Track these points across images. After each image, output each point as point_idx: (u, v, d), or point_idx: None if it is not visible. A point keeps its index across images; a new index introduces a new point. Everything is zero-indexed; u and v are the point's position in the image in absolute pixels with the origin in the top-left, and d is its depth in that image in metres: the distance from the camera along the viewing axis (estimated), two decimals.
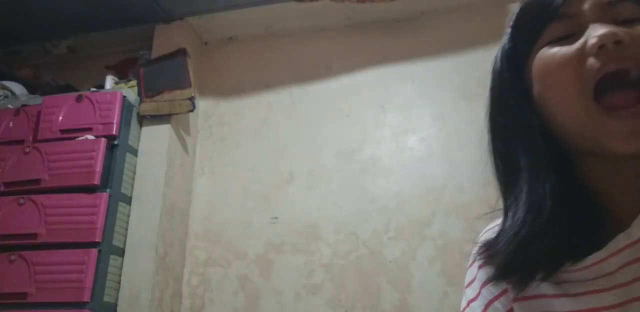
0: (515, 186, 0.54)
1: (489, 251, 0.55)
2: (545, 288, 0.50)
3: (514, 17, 0.59)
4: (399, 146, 2.06)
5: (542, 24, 0.53)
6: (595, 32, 0.47)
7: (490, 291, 0.57)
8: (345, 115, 2.17)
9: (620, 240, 0.46)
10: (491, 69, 0.61)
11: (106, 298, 1.76)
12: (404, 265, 1.86)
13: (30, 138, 1.99)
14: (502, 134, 0.57)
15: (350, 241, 1.95)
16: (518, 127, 0.55)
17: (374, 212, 1.97)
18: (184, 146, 2.17)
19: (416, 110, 2.11)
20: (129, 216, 1.94)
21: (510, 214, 0.54)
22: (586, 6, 0.50)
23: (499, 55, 0.60)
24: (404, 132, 2.09)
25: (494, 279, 0.53)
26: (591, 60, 0.47)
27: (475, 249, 0.60)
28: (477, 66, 2.07)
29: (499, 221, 0.60)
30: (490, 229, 0.62)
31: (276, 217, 2.05)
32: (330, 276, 1.92)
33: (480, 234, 0.64)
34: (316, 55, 2.32)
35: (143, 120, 2.10)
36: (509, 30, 0.60)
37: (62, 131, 1.96)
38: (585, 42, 0.48)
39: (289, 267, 1.96)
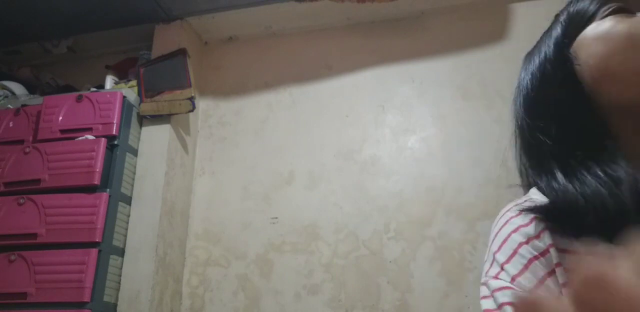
0: (569, 164, 0.53)
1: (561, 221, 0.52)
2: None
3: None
4: (399, 146, 2.06)
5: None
6: None
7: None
8: (345, 115, 2.17)
9: None
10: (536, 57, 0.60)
11: (106, 298, 1.76)
12: (404, 265, 1.86)
13: (30, 138, 1.99)
14: (547, 109, 0.57)
15: (350, 241, 1.95)
16: (569, 100, 0.55)
17: (374, 212, 1.97)
18: (184, 146, 2.17)
19: (416, 110, 2.11)
20: (129, 216, 1.94)
21: (576, 182, 0.52)
22: None
23: (552, 33, 0.60)
24: (404, 132, 2.09)
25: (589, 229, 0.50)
26: None
27: (522, 208, 0.57)
28: (477, 66, 2.07)
29: (527, 200, 0.58)
30: (524, 200, 0.59)
31: (276, 217, 2.05)
32: (330, 276, 1.92)
33: (510, 208, 0.60)
34: (316, 55, 2.32)
35: (143, 120, 2.10)
36: (564, 13, 0.59)
37: (62, 131, 1.96)
38: None
39: (289, 267, 1.96)
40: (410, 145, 2.06)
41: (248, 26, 2.37)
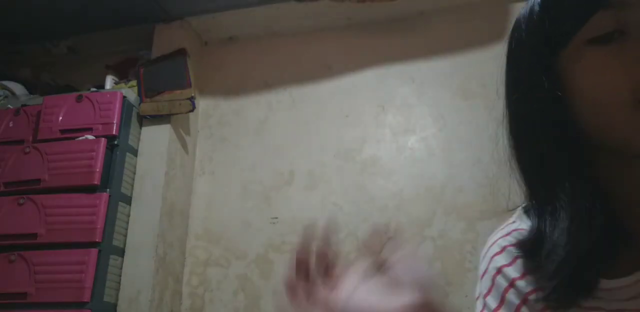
0: (548, 188, 0.50)
1: (534, 263, 0.51)
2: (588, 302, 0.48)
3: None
4: (399, 146, 2.06)
5: (586, 13, 0.46)
6: None
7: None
8: (345, 115, 2.17)
9: None
10: (508, 49, 0.55)
11: (106, 298, 1.76)
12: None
13: (30, 138, 1.99)
14: (527, 126, 0.53)
15: (350, 241, 1.95)
16: (545, 119, 0.51)
17: (374, 212, 1.97)
18: (184, 146, 2.17)
19: (416, 111, 2.11)
20: (129, 216, 1.94)
21: (543, 217, 0.50)
22: None
23: (520, 45, 0.54)
24: (404, 132, 2.09)
25: (545, 299, 0.49)
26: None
27: (501, 244, 0.56)
28: (477, 66, 2.07)
29: (516, 220, 0.57)
30: (510, 230, 0.58)
31: (276, 217, 2.05)
32: None
33: (495, 234, 0.60)
34: (316, 55, 2.32)
35: (143, 120, 2.10)
36: (537, 12, 0.51)
37: (62, 131, 1.96)
38: (637, 55, 0.44)
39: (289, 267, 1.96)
40: (410, 145, 2.06)
41: (248, 26, 2.37)
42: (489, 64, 2.08)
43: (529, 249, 0.52)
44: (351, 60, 2.26)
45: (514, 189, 0.58)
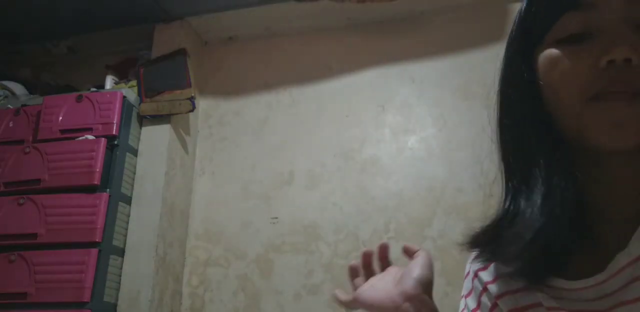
0: (527, 175, 0.51)
1: (499, 247, 0.52)
2: (543, 298, 0.49)
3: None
4: (399, 146, 2.06)
5: (556, 13, 0.49)
6: (608, 44, 0.45)
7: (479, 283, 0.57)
8: (345, 115, 2.17)
9: (620, 260, 0.45)
10: (504, 49, 0.58)
11: (106, 298, 1.76)
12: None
13: (30, 138, 1.99)
14: (513, 119, 0.54)
15: (350, 241, 1.95)
16: (530, 116, 0.52)
17: (374, 212, 1.97)
18: (184, 146, 2.17)
19: (416, 110, 2.11)
20: (129, 216, 1.94)
21: (517, 201, 0.51)
22: None
23: (510, 36, 0.57)
24: (404, 132, 2.09)
25: (510, 276, 0.50)
26: (599, 77, 0.45)
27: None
28: (477, 66, 2.07)
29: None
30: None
31: (276, 217, 2.05)
32: (330, 276, 1.92)
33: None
34: (316, 55, 2.31)
35: (143, 120, 2.10)
36: (521, 11, 0.55)
37: (62, 131, 1.96)
38: (596, 56, 0.46)
39: (289, 267, 1.96)
40: (410, 145, 2.06)
41: (248, 26, 2.37)
42: (489, 64, 2.08)
43: (495, 227, 0.53)
44: (351, 60, 2.26)
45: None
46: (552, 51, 0.49)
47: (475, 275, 0.58)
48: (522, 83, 0.53)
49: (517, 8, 0.57)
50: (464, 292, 0.61)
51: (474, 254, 0.58)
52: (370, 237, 1.93)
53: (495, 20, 2.08)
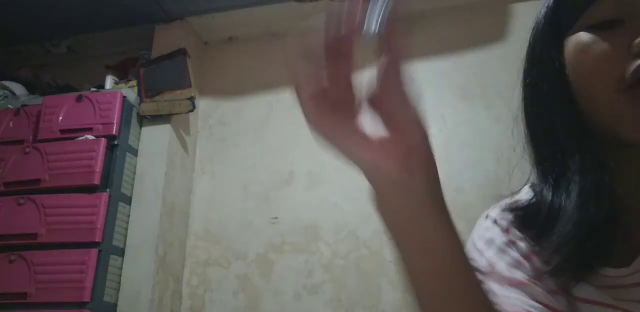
0: (563, 167, 0.51)
1: (536, 232, 0.52)
2: (592, 292, 0.49)
3: None
4: None
5: (587, 1, 0.49)
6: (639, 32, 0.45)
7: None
8: None
9: None
10: (531, 31, 0.57)
11: (106, 298, 1.76)
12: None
13: (30, 138, 1.99)
14: (542, 111, 0.54)
15: (350, 241, 1.95)
16: (559, 107, 0.52)
17: (374, 212, 1.96)
18: (184, 146, 2.17)
19: None
20: (129, 216, 1.94)
21: (554, 192, 0.51)
22: None
23: (536, 27, 0.56)
24: None
25: (553, 273, 0.49)
26: (631, 62, 0.45)
27: (503, 213, 0.57)
28: (477, 66, 2.07)
29: (518, 197, 0.57)
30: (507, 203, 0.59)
31: (276, 217, 2.05)
32: (330, 276, 1.92)
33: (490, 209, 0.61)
34: None
35: (143, 120, 2.10)
36: (550, 1, 0.55)
37: (62, 131, 1.96)
38: (628, 42, 0.45)
39: (289, 267, 1.96)
40: None
41: (248, 26, 2.37)
42: (489, 64, 2.08)
43: (530, 215, 0.53)
44: None
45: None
46: (584, 35, 0.49)
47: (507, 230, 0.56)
48: (552, 72, 0.52)
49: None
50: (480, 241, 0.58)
51: (481, 220, 0.59)
52: (370, 237, 1.93)
53: (495, 20, 2.08)
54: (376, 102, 0.39)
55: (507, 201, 0.60)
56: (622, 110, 0.46)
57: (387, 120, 0.39)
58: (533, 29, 0.57)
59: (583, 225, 0.47)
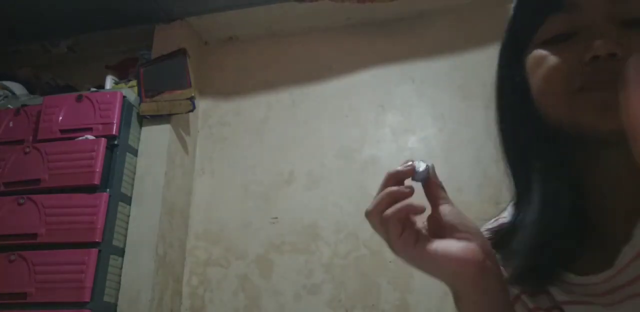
0: (527, 179, 0.53)
1: (503, 250, 0.54)
2: (555, 291, 0.50)
3: (516, 1, 0.55)
4: (399, 146, 2.06)
5: (541, 16, 0.50)
6: (592, 41, 0.45)
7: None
8: (345, 115, 2.17)
9: (627, 253, 0.45)
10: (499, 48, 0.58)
11: (106, 298, 1.76)
12: (404, 265, 1.85)
13: (30, 138, 1.99)
14: (508, 124, 0.56)
15: (350, 241, 1.95)
16: (515, 115, 0.54)
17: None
18: (184, 146, 2.17)
19: (416, 110, 2.11)
20: (129, 216, 1.94)
21: (522, 208, 0.53)
22: None
23: (502, 42, 0.57)
24: (404, 132, 2.09)
25: (511, 282, 0.52)
26: (582, 69, 0.46)
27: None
28: (477, 66, 2.07)
29: (506, 214, 0.59)
30: (496, 225, 0.60)
31: (276, 217, 2.05)
32: (330, 276, 1.92)
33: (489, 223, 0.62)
34: (316, 55, 2.32)
35: (143, 120, 2.10)
36: (512, 13, 0.56)
37: (62, 131, 1.96)
38: (581, 52, 0.46)
39: (289, 267, 1.96)
40: (410, 145, 2.06)
41: (248, 26, 2.37)
42: (488, 64, 2.07)
43: (504, 237, 0.54)
44: (351, 60, 2.26)
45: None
46: (538, 51, 0.50)
47: None
48: (514, 87, 0.54)
49: None
50: None
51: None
52: (370, 237, 1.93)
53: (495, 20, 2.07)
54: (441, 225, 0.50)
55: (489, 225, 0.60)
56: (580, 107, 0.46)
57: (455, 235, 0.49)
58: (501, 43, 0.58)
59: (541, 234, 0.49)
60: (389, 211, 0.48)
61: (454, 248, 0.48)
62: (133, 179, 2.00)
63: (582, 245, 0.49)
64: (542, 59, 0.49)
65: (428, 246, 0.48)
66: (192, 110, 2.08)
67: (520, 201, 0.54)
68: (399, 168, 0.51)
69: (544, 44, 0.50)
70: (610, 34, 0.46)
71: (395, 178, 0.50)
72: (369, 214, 0.49)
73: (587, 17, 0.47)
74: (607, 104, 0.44)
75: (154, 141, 2.07)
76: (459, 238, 0.49)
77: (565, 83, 0.47)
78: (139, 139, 2.07)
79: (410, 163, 0.52)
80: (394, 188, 0.49)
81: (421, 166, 0.52)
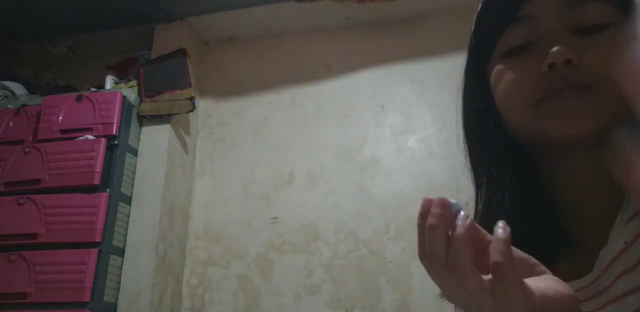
0: (480, 185, 0.55)
1: None
2: None
3: (475, 15, 0.57)
4: (399, 146, 2.06)
5: (498, 30, 0.51)
6: (548, 50, 0.46)
7: None
8: (345, 115, 2.17)
9: (604, 257, 0.46)
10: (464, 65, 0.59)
11: (106, 298, 1.76)
12: (404, 265, 1.86)
13: (30, 138, 1.99)
14: (473, 136, 0.57)
15: (350, 241, 1.95)
16: (480, 127, 0.55)
17: (374, 212, 1.97)
18: (184, 146, 2.17)
19: (416, 110, 2.11)
20: (129, 216, 1.94)
21: (487, 219, 0.53)
22: (545, 8, 0.48)
23: (467, 53, 0.59)
24: (404, 132, 2.09)
25: None
26: (542, 79, 0.47)
27: None
28: None
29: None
30: None
31: (276, 217, 2.05)
32: (330, 276, 1.92)
33: None
34: (316, 55, 2.32)
35: (143, 120, 2.10)
36: (472, 27, 0.58)
37: (62, 131, 1.96)
38: (539, 62, 0.47)
39: (289, 267, 1.96)
40: (410, 145, 2.06)
41: (248, 26, 2.37)
42: None
43: None
44: (351, 60, 2.26)
45: None
46: (498, 66, 0.51)
47: None
48: (476, 101, 0.55)
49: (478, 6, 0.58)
50: None
51: None
52: (370, 237, 1.93)
53: None
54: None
55: None
56: (543, 116, 0.47)
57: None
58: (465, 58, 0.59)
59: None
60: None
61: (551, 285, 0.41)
62: (133, 179, 2.00)
63: (556, 254, 0.49)
64: (502, 74, 0.50)
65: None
66: (192, 110, 2.08)
67: (485, 212, 0.55)
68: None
69: (504, 57, 0.51)
70: (565, 41, 0.46)
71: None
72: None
73: (542, 26, 0.48)
74: (569, 110, 0.45)
75: (154, 141, 2.07)
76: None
77: (526, 96, 0.48)
78: (139, 139, 2.07)
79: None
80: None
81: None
